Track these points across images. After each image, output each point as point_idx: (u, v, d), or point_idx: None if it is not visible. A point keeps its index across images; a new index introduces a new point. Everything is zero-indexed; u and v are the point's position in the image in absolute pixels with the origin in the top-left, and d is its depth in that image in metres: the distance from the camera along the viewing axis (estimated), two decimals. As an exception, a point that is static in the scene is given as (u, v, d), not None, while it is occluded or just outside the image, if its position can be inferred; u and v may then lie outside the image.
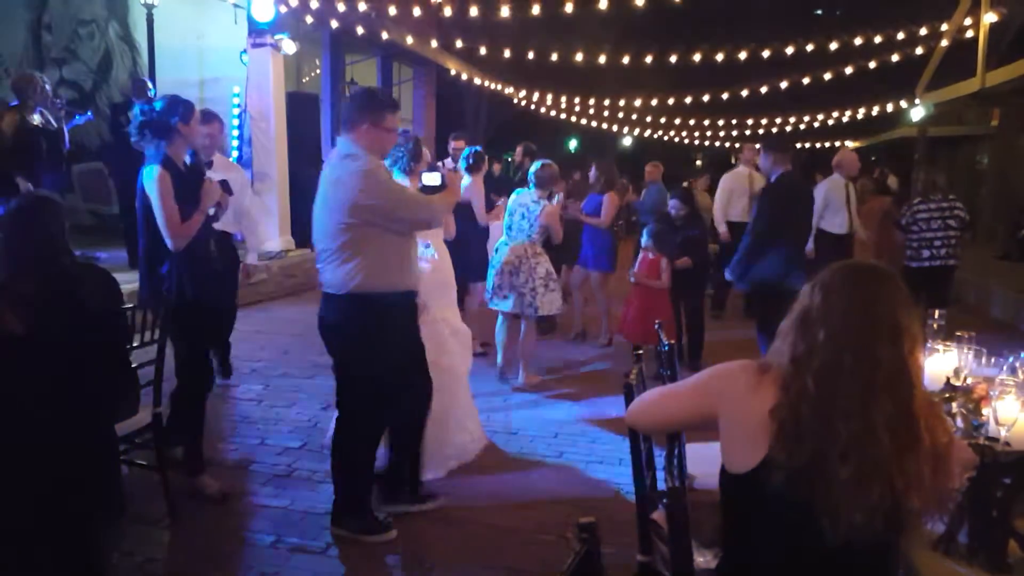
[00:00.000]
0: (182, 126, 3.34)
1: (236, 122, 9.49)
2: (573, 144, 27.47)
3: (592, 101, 18.76)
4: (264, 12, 8.38)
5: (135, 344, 3.00)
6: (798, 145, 21.75)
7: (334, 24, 11.02)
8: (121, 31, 10.47)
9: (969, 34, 12.10)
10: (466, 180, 5.50)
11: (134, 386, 2.98)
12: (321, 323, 3.13)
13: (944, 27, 12.77)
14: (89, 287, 2.56)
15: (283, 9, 8.98)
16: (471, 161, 5.66)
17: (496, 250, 5.43)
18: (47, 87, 6.74)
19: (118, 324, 2.76)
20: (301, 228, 9.29)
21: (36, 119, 6.55)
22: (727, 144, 23.98)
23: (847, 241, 7.01)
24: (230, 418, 4.50)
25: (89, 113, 8.40)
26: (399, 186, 3.25)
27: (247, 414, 4.57)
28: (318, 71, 14.51)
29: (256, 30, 8.56)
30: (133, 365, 2.98)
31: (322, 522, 3.26)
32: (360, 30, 11.60)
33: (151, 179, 3.28)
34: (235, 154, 9.36)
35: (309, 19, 10.22)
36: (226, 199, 3.78)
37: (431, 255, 4.04)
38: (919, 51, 13.82)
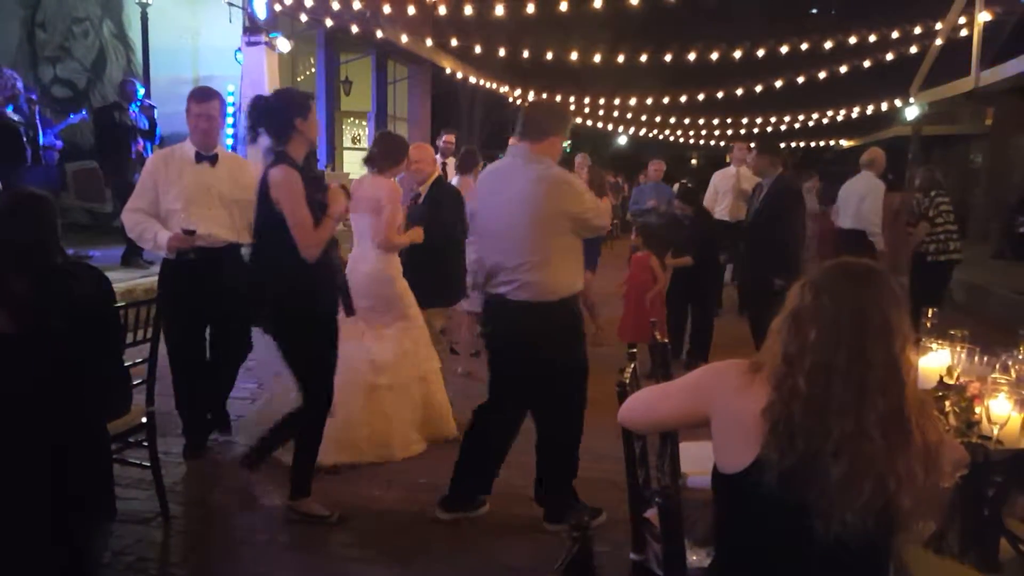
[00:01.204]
0: (300, 122, 3.04)
1: (231, 120, 9.47)
2: (568, 143, 27.47)
3: (587, 100, 18.76)
4: (258, 11, 8.37)
5: (128, 342, 2.98)
6: (792, 144, 21.81)
7: (328, 22, 11.01)
8: (115, 29, 10.43)
9: (963, 33, 12.14)
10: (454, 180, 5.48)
11: (126, 385, 2.98)
12: (513, 335, 3.04)
13: (938, 26, 12.81)
14: (81, 286, 2.55)
15: (278, 7, 8.96)
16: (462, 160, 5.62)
17: None
18: (17, 83, 6.71)
19: (110, 323, 2.75)
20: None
21: (15, 116, 6.54)
22: (722, 143, 24.02)
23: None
24: (224, 417, 4.48)
25: (83, 112, 8.38)
26: (592, 195, 3.24)
27: (241, 413, 4.55)
28: (313, 69, 14.49)
29: (251, 28, 8.54)
30: (126, 364, 2.98)
31: (315, 521, 3.25)
32: (355, 28, 11.58)
33: (280, 180, 2.93)
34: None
35: (304, 17, 10.20)
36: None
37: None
38: (913, 50, 13.86)
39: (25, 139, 6.64)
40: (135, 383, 3.02)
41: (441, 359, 4.46)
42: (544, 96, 18.19)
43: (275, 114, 3.05)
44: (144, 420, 3.09)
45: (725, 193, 7.81)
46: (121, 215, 3.76)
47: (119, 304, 2.88)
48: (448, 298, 4.85)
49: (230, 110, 9.50)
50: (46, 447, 2.39)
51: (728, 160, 8.08)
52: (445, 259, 4.52)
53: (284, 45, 8.97)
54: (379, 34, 12.34)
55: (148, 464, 3.15)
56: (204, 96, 3.77)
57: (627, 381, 2.22)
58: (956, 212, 6.43)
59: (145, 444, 3.12)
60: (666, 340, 2.98)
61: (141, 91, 7.63)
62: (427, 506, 3.43)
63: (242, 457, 3.40)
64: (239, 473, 3.43)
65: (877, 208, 6.76)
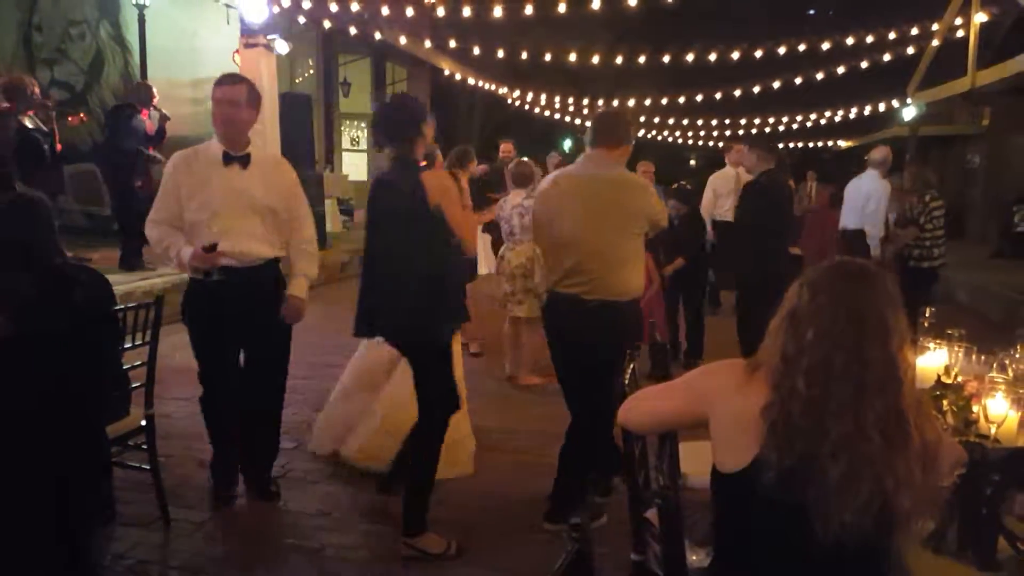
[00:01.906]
0: (424, 126, 3.00)
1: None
2: (567, 144, 27.51)
3: (586, 101, 18.78)
4: (256, 12, 8.36)
5: (127, 346, 2.98)
6: (790, 145, 21.83)
7: (327, 24, 11.02)
8: (112, 31, 10.42)
9: (960, 34, 12.17)
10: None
11: (126, 387, 2.99)
12: (590, 333, 3.09)
13: (935, 27, 12.84)
14: (81, 289, 2.55)
15: (276, 9, 8.96)
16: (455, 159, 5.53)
17: (502, 257, 5.40)
18: (36, 90, 6.73)
19: (109, 326, 2.76)
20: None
21: (29, 123, 6.54)
22: (720, 144, 24.03)
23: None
24: (223, 419, 4.48)
25: (81, 115, 8.37)
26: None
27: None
28: (311, 71, 14.49)
29: (248, 30, 8.54)
30: (125, 366, 2.98)
31: (315, 523, 3.25)
32: (353, 30, 11.58)
33: (441, 185, 2.89)
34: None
35: (302, 19, 10.20)
36: None
37: None
38: (910, 51, 13.89)
39: (46, 147, 6.66)
40: (134, 386, 3.04)
41: None
42: (543, 97, 18.26)
43: (406, 120, 2.98)
44: (143, 423, 3.09)
45: (728, 194, 7.77)
46: (144, 228, 3.22)
47: (119, 307, 2.89)
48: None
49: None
50: (46, 450, 2.39)
51: (726, 162, 8.07)
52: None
53: (282, 47, 8.96)
54: (377, 36, 12.35)
55: (148, 467, 3.15)
56: (228, 80, 3.20)
57: (626, 381, 2.23)
58: (952, 212, 6.40)
59: (145, 447, 3.12)
60: (665, 341, 2.99)
61: (156, 96, 7.65)
62: (429, 509, 3.43)
63: (378, 483, 3.39)
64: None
65: (882, 210, 6.64)
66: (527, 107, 19.04)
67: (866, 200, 6.64)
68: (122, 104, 7.86)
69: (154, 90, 7.70)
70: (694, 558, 1.90)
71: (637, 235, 3.19)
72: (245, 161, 3.18)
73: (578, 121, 20.97)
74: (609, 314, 3.09)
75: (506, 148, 8.00)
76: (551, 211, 3.25)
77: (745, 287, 5.26)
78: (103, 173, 8.52)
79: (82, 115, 8.44)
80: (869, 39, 13.44)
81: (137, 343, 3.03)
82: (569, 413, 3.32)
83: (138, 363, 3.07)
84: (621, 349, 2.88)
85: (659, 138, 23.73)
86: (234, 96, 3.15)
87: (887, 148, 7.12)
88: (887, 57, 14.19)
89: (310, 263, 3.38)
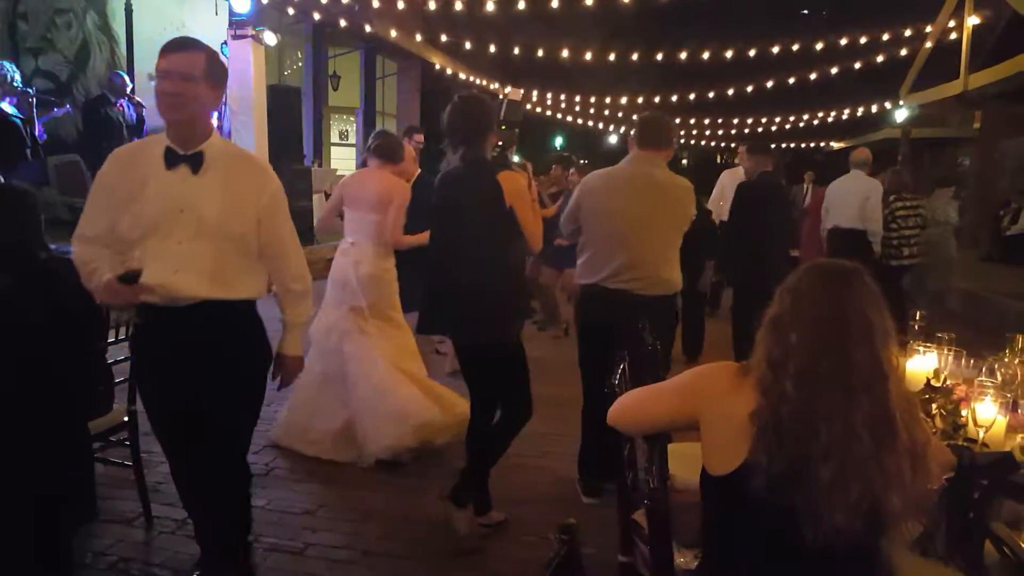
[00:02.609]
0: (494, 125, 3.07)
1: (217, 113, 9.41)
2: (559, 142, 27.51)
3: (578, 99, 18.77)
4: (245, 3, 8.29)
5: (111, 340, 2.94)
6: (783, 145, 21.92)
7: (316, 16, 10.95)
8: (99, 21, 10.31)
9: (952, 37, 12.23)
10: None
11: (108, 383, 2.95)
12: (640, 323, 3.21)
13: (928, 29, 12.90)
14: (65, 282, 2.52)
15: (264, 0, 8.89)
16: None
17: None
18: (16, 75, 6.64)
19: (93, 320, 2.72)
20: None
21: (7, 108, 6.46)
22: (712, 143, 24.09)
23: None
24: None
25: (68, 106, 8.28)
26: None
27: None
28: (300, 64, 14.40)
29: (237, 21, 8.46)
30: (108, 361, 2.94)
31: (299, 522, 3.23)
32: (343, 23, 11.51)
33: (519, 186, 2.93)
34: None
35: (291, 11, 10.13)
36: None
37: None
38: (903, 52, 13.96)
39: (24, 133, 6.58)
40: (118, 381, 3.00)
41: (427, 361, 4.45)
42: (535, 93, 18.22)
43: (482, 119, 2.97)
44: (126, 419, 3.05)
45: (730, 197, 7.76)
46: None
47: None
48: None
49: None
50: (27, 445, 2.35)
51: (720, 160, 8.06)
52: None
53: (271, 39, 8.89)
54: (368, 29, 12.28)
55: (130, 463, 3.11)
56: (178, 46, 2.24)
57: (617, 382, 2.21)
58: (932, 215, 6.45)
59: (127, 443, 3.08)
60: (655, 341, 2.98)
61: (129, 85, 7.56)
62: (413, 508, 3.41)
63: (450, 493, 3.19)
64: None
65: (880, 208, 6.59)
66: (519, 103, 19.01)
67: (864, 199, 6.53)
68: (93, 99, 7.80)
69: (125, 77, 7.62)
70: (682, 560, 1.90)
71: (681, 233, 3.42)
72: (196, 162, 2.27)
73: (570, 118, 20.97)
74: (658, 307, 3.28)
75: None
76: (604, 208, 3.33)
77: (741, 289, 5.27)
78: (87, 165, 8.43)
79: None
80: (863, 40, 13.50)
81: (121, 338, 2.99)
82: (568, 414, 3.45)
83: (121, 358, 3.03)
84: (665, 340, 3.20)
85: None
86: (186, 67, 2.20)
87: (867, 149, 7.15)
88: (880, 59, 14.26)
89: (299, 306, 2.56)
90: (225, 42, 8.77)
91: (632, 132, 3.45)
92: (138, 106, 7.51)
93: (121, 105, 7.45)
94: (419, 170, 4.93)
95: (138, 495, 3.13)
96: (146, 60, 9.37)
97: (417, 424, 3.82)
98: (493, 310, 2.92)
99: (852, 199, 6.60)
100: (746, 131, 19.51)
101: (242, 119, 8.79)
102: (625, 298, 3.23)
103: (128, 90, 7.50)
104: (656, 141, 3.37)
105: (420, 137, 6.40)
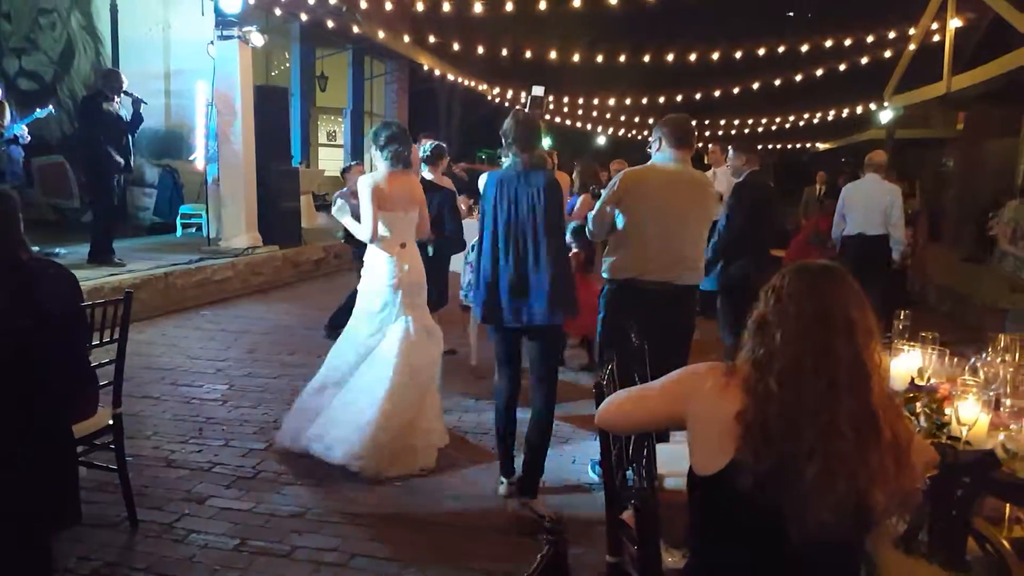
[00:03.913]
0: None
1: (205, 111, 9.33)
2: (547, 143, 27.55)
3: (566, 100, 18.80)
4: (232, 3, 8.23)
5: (95, 342, 2.91)
6: (769, 146, 22.03)
7: (304, 17, 10.91)
8: (84, 21, 10.22)
9: (936, 38, 12.34)
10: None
11: (93, 386, 2.92)
12: (678, 316, 3.56)
13: (912, 31, 13.01)
14: (48, 284, 2.49)
15: (252, 0, 8.83)
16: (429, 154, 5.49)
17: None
18: None
19: (77, 322, 2.69)
20: (268, 224, 9.17)
21: None
22: (699, 144, 24.16)
23: None
24: (194, 419, 4.41)
25: (50, 107, 8.20)
26: None
27: (211, 415, 4.49)
28: (288, 64, 14.34)
29: (223, 22, 8.40)
30: (93, 364, 2.91)
31: (287, 525, 3.21)
32: (331, 24, 11.48)
33: (566, 182, 3.44)
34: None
35: (278, 11, 10.09)
36: None
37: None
38: (888, 54, 14.07)
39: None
40: (102, 384, 2.97)
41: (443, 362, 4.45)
42: (523, 95, 18.23)
43: (536, 131, 3.42)
44: (111, 422, 3.03)
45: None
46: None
47: (86, 303, 2.82)
48: (440, 302, 4.81)
49: (203, 106, 9.35)
50: (10, 448, 2.33)
51: (707, 160, 8.09)
52: (440, 260, 4.54)
53: (258, 39, 8.82)
54: (356, 30, 12.25)
55: (115, 467, 3.08)
56: None
57: (604, 382, 2.22)
58: (927, 215, 6.50)
59: (112, 447, 3.05)
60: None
61: (126, 82, 7.50)
62: (401, 509, 3.40)
63: (519, 492, 3.42)
64: (199, 478, 3.36)
65: (902, 214, 6.41)
66: (507, 104, 19.02)
67: (889, 204, 6.29)
68: (93, 93, 7.70)
69: (123, 76, 7.56)
70: (670, 560, 1.90)
71: (708, 225, 3.76)
72: None
73: (558, 119, 20.97)
74: (692, 297, 3.64)
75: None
76: (651, 204, 3.51)
77: (726, 289, 5.29)
78: (81, 165, 8.34)
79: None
80: (847, 42, 13.60)
81: (105, 340, 2.96)
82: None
83: (106, 360, 3.01)
84: (691, 327, 3.64)
85: (639, 137, 23.85)
86: None
87: (883, 152, 6.94)
88: (865, 60, 14.37)
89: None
90: (212, 42, 8.71)
91: (661, 133, 3.60)
92: (136, 102, 7.44)
93: (117, 101, 7.39)
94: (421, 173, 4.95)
95: (123, 499, 3.10)
96: (132, 61, 9.34)
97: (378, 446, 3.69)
98: (555, 297, 3.31)
99: (873, 204, 6.33)
100: (733, 132, 19.60)
101: (228, 120, 8.73)
102: (663, 288, 3.50)
103: (124, 86, 7.44)
104: (688, 142, 3.63)
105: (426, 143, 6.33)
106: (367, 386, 3.75)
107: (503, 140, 3.39)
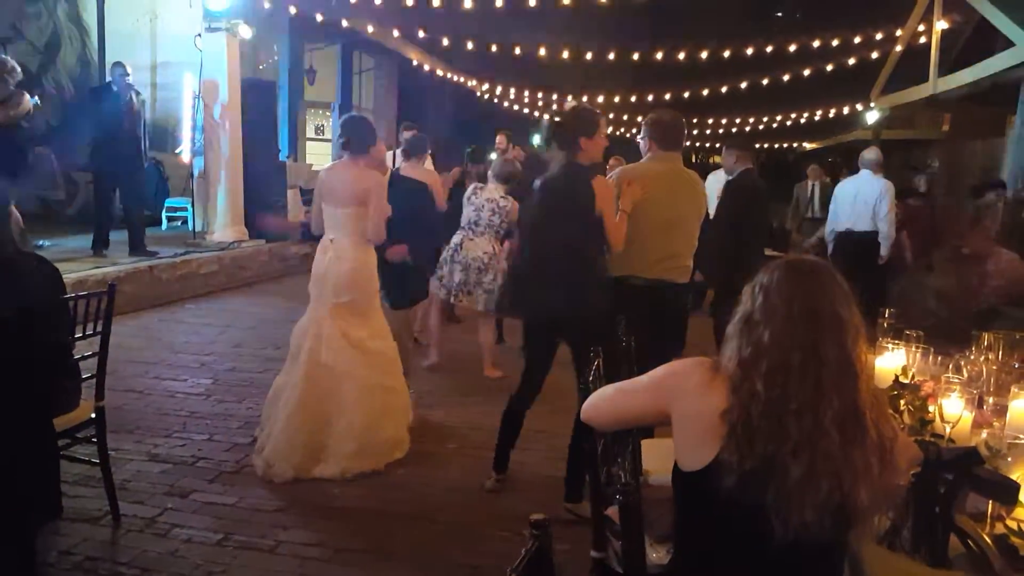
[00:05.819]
0: (584, 140, 3.36)
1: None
2: (537, 140, 27.56)
3: (555, 97, 18.77)
4: (222, 2, 8.17)
5: (78, 335, 2.88)
6: (756, 145, 22.10)
7: (293, 10, 10.83)
8: (70, 11, 10.09)
9: (922, 40, 12.43)
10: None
11: (75, 379, 2.89)
12: (675, 313, 3.63)
13: (898, 33, 13.09)
14: (31, 277, 2.47)
15: (240, -7, 8.76)
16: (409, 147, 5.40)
17: (459, 246, 5.33)
18: None
19: (60, 315, 2.66)
20: (254, 218, 9.11)
21: None
22: (687, 143, 24.22)
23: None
24: (178, 413, 4.38)
25: (35, 98, 8.09)
26: None
27: (195, 409, 4.46)
28: (276, 58, 14.23)
29: (211, 14, 8.33)
30: (75, 357, 2.88)
31: (270, 520, 3.19)
32: (319, 17, 11.40)
33: (605, 191, 3.32)
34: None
35: (267, 4, 10.01)
36: None
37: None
38: (874, 55, 14.15)
39: None
40: (84, 377, 2.94)
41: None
42: (512, 91, 18.21)
43: (562, 129, 3.41)
44: (93, 415, 3.00)
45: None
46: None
47: (69, 296, 2.79)
48: (417, 297, 4.79)
49: (190, 99, 9.26)
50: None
51: (695, 159, 8.09)
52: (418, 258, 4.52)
53: (246, 32, 8.76)
54: (344, 23, 12.18)
55: (97, 461, 3.05)
56: None
57: (591, 378, 2.21)
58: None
59: (94, 440, 3.02)
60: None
61: (130, 75, 7.50)
62: (386, 504, 3.39)
63: (567, 497, 3.33)
64: (183, 472, 3.33)
65: (893, 209, 6.42)
66: (496, 100, 18.98)
67: (879, 201, 6.32)
68: (105, 84, 7.72)
69: (128, 68, 7.54)
70: (654, 556, 1.90)
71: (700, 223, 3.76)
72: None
73: (546, 116, 20.92)
74: (685, 293, 3.72)
75: (500, 140, 7.74)
76: (650, 202, 3.50)
77: (719, 286, 5.31)
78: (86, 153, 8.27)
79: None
80: (834, 43, 13.66)
81: (88, 333, 2.93)
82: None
83: (89, 353, 2.97)
84: (684, 324, 3.69)
85: (628, 135, 23.87)
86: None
87: (877, 148, 6.91)
88: (851, 61, 14.43)
89: None
90: (199, 34, 8.63)
91: (650, 133, 3.60)
92: (136, 95, 7.43)
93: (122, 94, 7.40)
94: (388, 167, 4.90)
95: (105, 493, 3.07)
96: (118, 52, 9.23)
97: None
98: (588, 297, 3.30)
99: (864, 200, 6.34)
100: (720, 131, 19.65)
101: (216, 113, 8.65)
102: (665, 286, 3.53)
103: (128, 80, 7.42)
104: (678, 143, 3.67)
105: (410, 135, 6.23)
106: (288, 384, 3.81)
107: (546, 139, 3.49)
